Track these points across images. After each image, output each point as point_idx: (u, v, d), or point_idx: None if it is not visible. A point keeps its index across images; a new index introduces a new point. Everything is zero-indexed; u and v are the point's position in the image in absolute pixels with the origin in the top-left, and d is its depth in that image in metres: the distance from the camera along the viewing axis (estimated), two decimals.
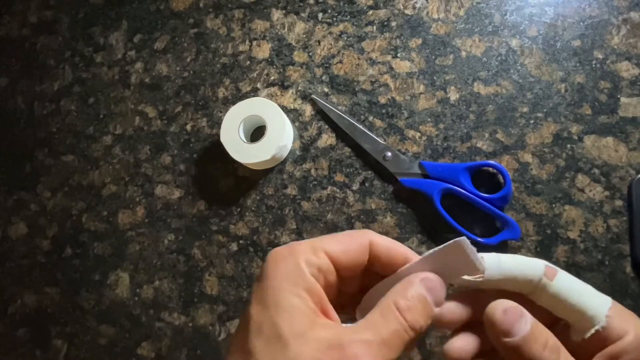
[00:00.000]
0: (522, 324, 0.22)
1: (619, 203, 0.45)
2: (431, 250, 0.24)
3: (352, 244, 0.25)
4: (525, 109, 0.48)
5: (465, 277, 0.24)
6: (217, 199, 0.53)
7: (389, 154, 0.49)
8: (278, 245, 0.50)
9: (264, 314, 0.22)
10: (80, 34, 0.61)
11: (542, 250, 0.45)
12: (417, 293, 0.23)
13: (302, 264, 0.23)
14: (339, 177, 0.51)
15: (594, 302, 0.24)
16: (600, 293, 0.24)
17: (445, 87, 0.50)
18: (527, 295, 0.25)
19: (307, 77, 0.54)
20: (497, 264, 0.24)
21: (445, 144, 0.49)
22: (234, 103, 0.52)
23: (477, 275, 0.24)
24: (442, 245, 0.24)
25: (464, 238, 0.23)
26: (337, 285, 0.25)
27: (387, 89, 0.51)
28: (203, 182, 0.54)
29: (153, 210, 0.55)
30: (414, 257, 0.25)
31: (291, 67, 0.54)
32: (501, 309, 0.22)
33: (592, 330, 0.23)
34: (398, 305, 0.22)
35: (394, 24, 0.53)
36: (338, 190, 0.51)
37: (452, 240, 0.23)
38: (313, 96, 0.53)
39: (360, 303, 0.27)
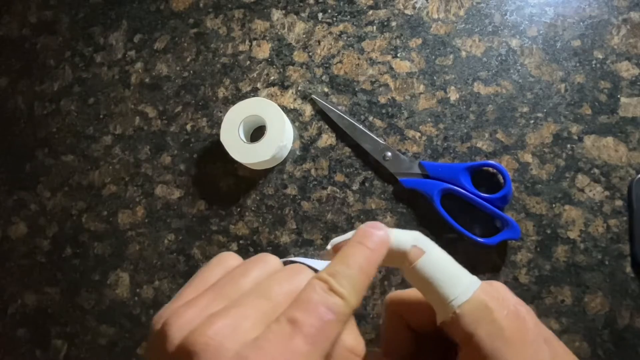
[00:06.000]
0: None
1: (619, 203, 0.45)
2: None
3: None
4: (525, 109, 0.48)
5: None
6: (217, 199, 0.53)
7: (389, 154, 0.49)
8: (278, 245, 0.51)
9: None
10: (80, 34, 0.61)
11: (542, 250, 0.45)
12: None
13: None
14: (339, 177, 0.51)
15: (450, 291, 0.24)
16: (464, 280, 0.24)
17: (445, 87, 0.50)
18: (400, 269, 0.26)
19: (307, 77, 0.54)
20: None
21: (445, 144, 0.49)
22: (234, 103, 0.52)
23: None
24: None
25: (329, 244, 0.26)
26: None
27: (387, 89, 0.51)
28: (203, 182, 0.54)
29: (153, 210, 0.55)
30: None
31: (291, 67, 0.54)
32: None
33: (445, 318, 0.24)
34: None
35: (394, 24, 0.53)
36: (338, 190, 0.51)
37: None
38: (313, 96, 0.53)
39: None
